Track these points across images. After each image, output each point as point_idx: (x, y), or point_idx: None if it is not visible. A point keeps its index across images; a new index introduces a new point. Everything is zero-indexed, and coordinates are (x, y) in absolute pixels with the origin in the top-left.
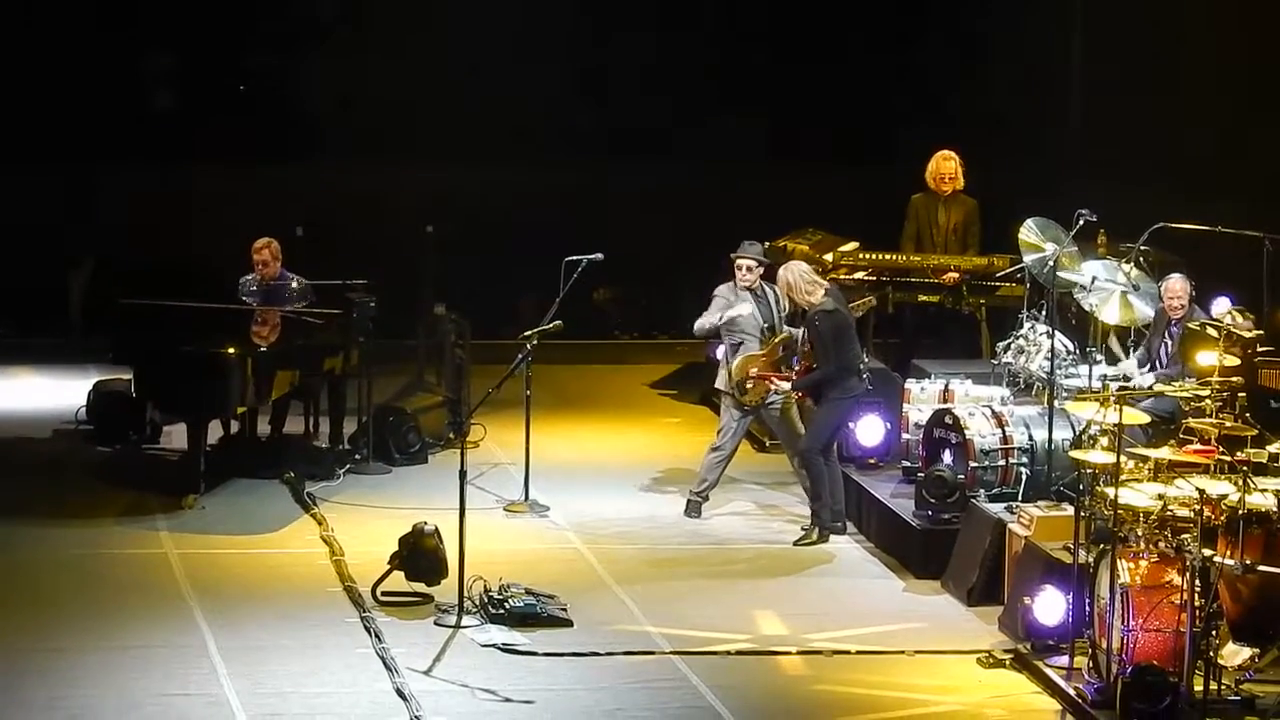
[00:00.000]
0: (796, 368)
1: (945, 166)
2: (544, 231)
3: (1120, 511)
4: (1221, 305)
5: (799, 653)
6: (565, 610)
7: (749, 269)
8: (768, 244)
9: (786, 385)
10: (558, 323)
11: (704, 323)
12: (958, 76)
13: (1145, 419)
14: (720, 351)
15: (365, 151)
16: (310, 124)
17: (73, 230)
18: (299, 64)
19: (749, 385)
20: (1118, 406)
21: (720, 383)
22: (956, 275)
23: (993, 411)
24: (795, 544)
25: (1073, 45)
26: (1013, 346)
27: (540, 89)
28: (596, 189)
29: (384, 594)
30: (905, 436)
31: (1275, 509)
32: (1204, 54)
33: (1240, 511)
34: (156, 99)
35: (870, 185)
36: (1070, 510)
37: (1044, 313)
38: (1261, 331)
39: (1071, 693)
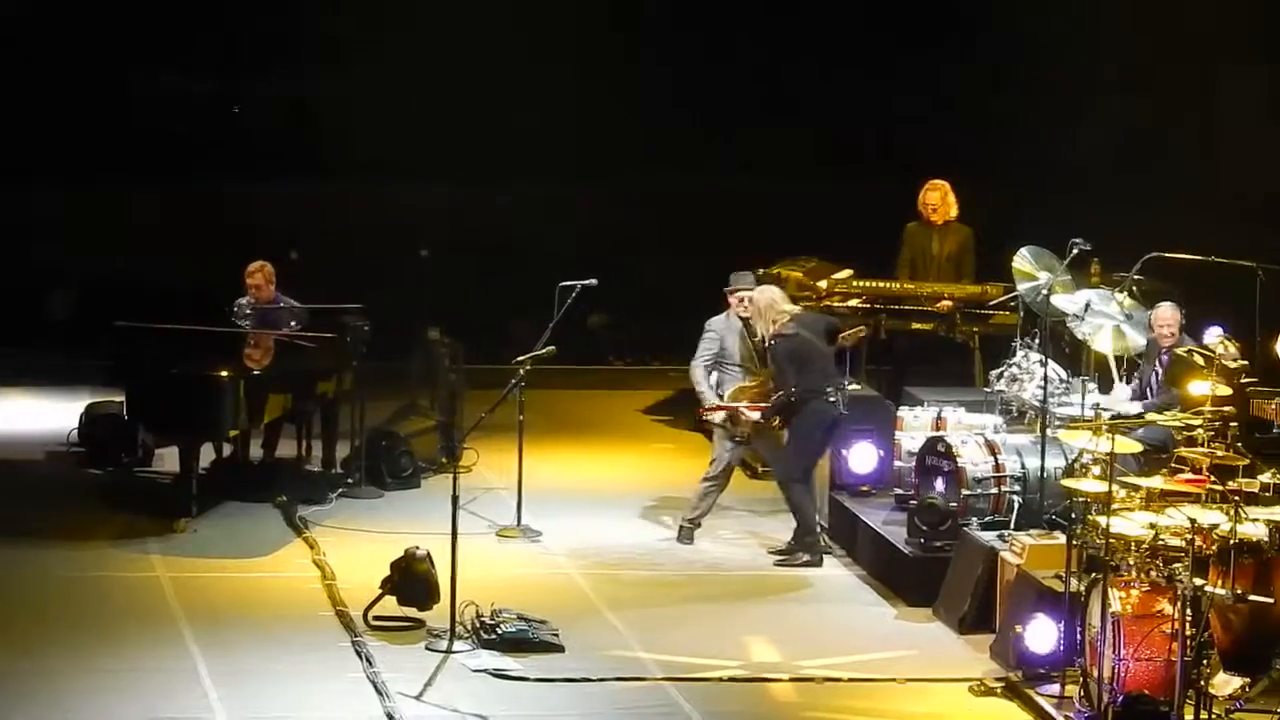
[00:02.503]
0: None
1: (930, 197)
2: (536, 254)
3: (1112, 540)
4: (1213, 334)
5: (791, 679)
6: (557, 635)
7: (747, 302)
8: (762, 271)
9: (756, 415)
10: (551, 348)
11: (702, 387)
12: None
13: (1137, 448)
14: (714, 380)
15: (352, 172)
16: (300, 145)
17: (51, 249)
18: (297, 88)
19: (729, 422)
20: (1110, 435)
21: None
22: (950, 303)
23: (985, 440)
24: (776, 564)
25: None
26: (1006, 375)
27: (531, 109)
28: (588, 212)
29: (375, 619)
30: (898, 464)
31: (1266, 539)
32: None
33: (1231, 541)
34: (147, 120)
35: (863, 203)
36: (1062, 539)
37: (1037, 341)
38: (1246, 362)
39: None
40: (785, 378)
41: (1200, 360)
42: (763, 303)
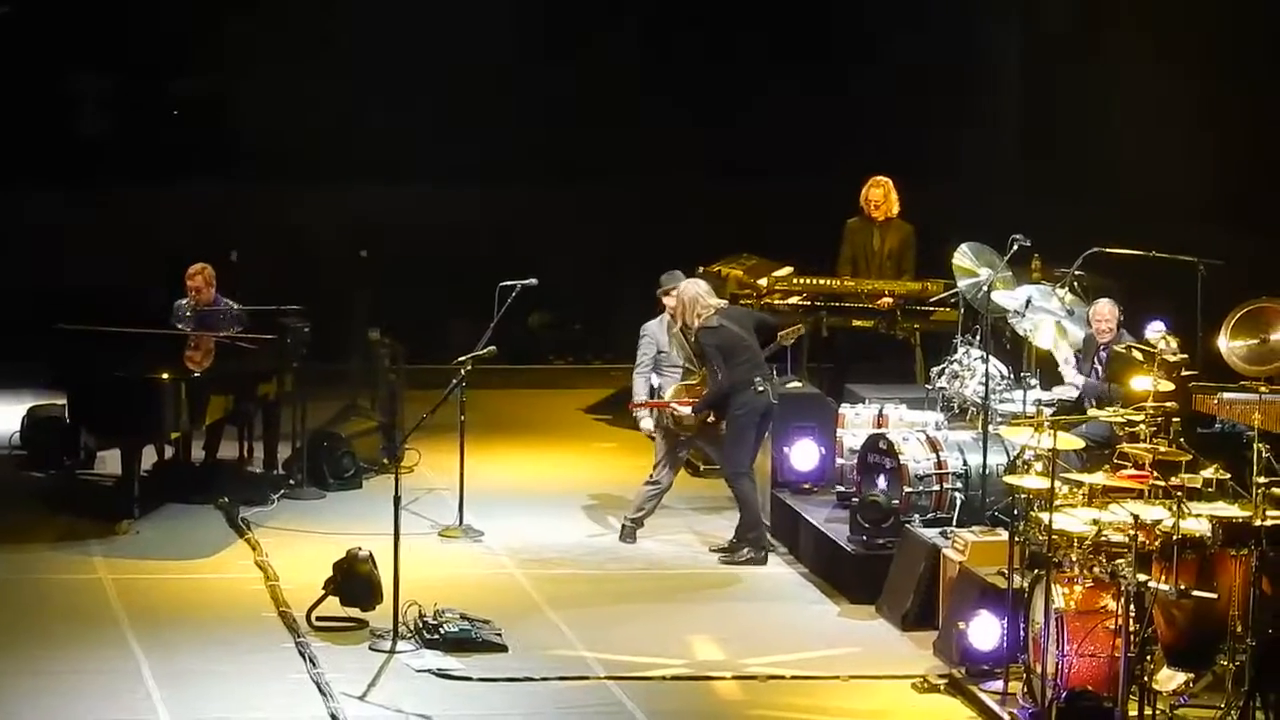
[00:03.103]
0: None
1: (873, 194)
2: (477, 255)
3: (1055, 537)
4: (1154, 330)
5: (734, 677)
6: (500, 635)
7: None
8: (702, 269)
9: (686, 410)
10: (491, 348)
11: (640, 392)
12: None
13: (1079, 444)
14: (656, 382)
15: (297, 175)
16: (243, 148)
17: None
18: (232, 88)
19: (672, 422)
20: (1052, 431)
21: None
22: (891, 300)
23: (927, 436)
24: (720, 561)
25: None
26: (947, 371)
27: (469, 113)
28: (529, 213)
29: (318, 619)
30: (839, 461)
31: (1209, 534)
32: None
33: (1174, 537)
34: (81, 122)
35: (799, 205)
36: (1004, 535)
37: (978, 338)
38: (1186, 356)
39: (1006, 718)
40: (715, 371)
41: (1140, 356)
42: (687, 297)
